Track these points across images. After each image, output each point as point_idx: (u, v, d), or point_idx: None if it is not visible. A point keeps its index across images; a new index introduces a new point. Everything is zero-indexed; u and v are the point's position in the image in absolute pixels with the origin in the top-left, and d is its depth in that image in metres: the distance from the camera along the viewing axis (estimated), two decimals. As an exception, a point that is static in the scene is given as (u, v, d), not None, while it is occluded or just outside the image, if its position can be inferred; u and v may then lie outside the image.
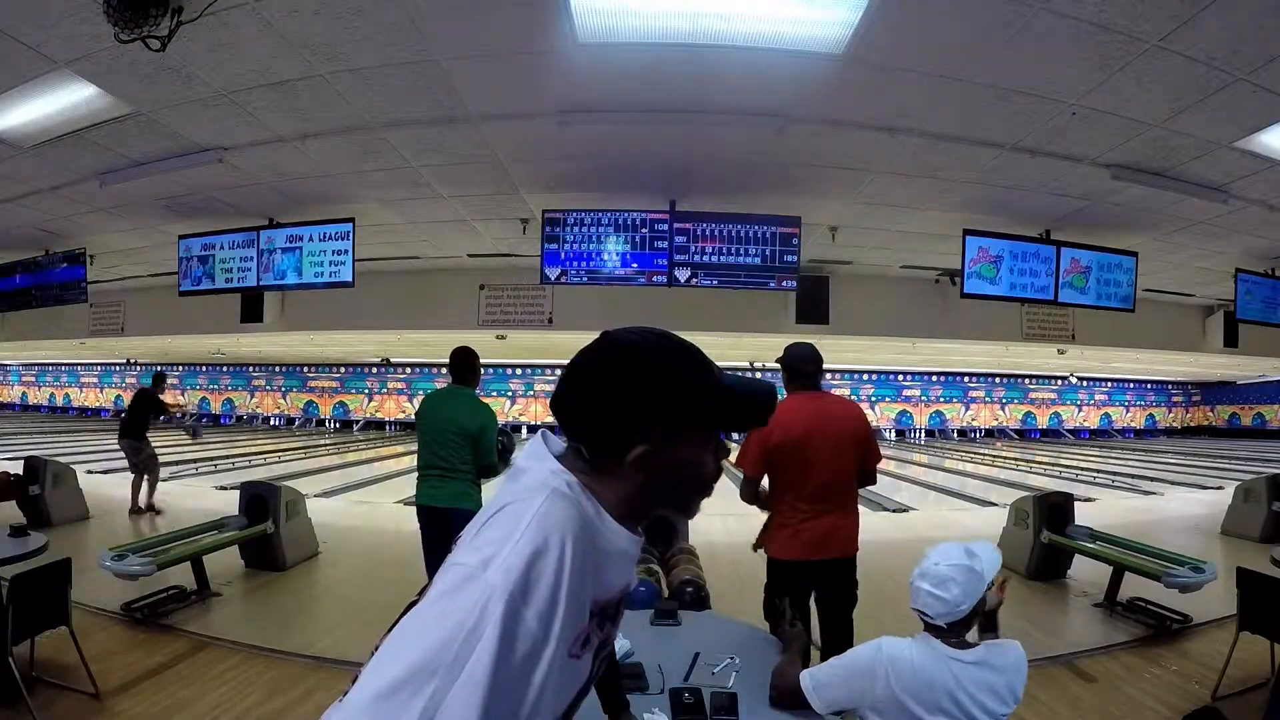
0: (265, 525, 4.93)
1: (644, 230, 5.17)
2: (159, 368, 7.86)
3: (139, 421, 7.33)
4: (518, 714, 0.69)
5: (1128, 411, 24.66)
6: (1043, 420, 23.52)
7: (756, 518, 2.97)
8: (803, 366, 2.89)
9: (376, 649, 0.73)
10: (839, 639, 2.84)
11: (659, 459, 0.83)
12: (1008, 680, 1.57)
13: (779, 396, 0.86)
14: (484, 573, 0.70)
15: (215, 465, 11.55)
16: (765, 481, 2.87)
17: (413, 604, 0.84)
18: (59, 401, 26.10)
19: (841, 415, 2.88)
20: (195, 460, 11.93)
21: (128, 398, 27.39)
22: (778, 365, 2.99)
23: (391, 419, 22.20)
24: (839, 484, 2.81)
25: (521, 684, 0.70)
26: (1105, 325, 6.93)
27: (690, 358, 0.86)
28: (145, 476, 7.23)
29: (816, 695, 1.56)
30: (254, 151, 4.27)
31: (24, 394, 27.52)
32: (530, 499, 0.78)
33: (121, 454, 7.41)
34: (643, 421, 0.82)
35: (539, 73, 3.33)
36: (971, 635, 1.63)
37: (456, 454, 3.55)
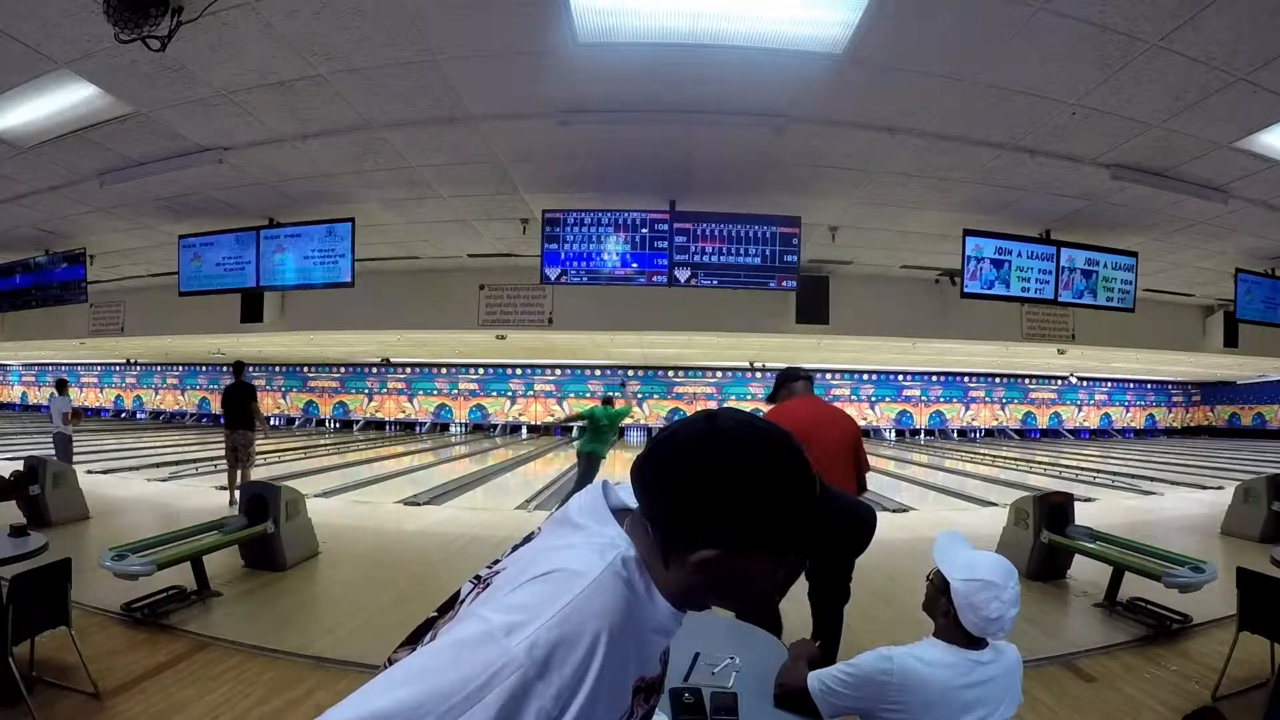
0: (265, 525, 4.93)
1: (644, 230, 5.17)
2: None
3: (244, 411, 7.66)
4: None
5: (1128, 411, 24.66)
6: (1043, 420, 23.52)
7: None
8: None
9: (390, 661, 0.72)
10: (831, 635, 2.89)
11: (724, 566, 0.78)
12: (1013, 680, 1.58)
13: (877, 522, 0.87)
14: (506, 638, 0.67)
15: (215, 465, 11.53)
16: None
17: (431, 620, 0.83)
18: (59, 401, 26.07)
19: (838, 419, 3.08)
20: (195, 460, 11.94)
21: (128, 397, 27.16)
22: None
23: (391, 419, 22.20)
24: (839, 483, 2.84)
25: None
26: (1105, 325, 6.94)
27: (793, 477, 0.79)
28: (245, 466, 7.61)
29: (823, 700, 1.55)
30: (254, 151, 4.27)
31: (24, 394, 27.51)
32: (579, 574, 0.74)
33: (112, 453, 7.44)
34: (721, 527, 0.77)
35: (539, 73, 3.33)
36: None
37: (609, 430, 7.38)
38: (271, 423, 22.62)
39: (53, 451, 8.03)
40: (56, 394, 8.38)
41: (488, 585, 0.79)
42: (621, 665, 0.74)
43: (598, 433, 7.31)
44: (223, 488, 8.21)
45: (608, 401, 7.59)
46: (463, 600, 0.81)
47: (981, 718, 1.50)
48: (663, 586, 0.80)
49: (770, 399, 3.22)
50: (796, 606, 3.04)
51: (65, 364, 25.42)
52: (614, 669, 0.72)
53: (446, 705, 0.63)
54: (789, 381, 3.16)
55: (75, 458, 8.84)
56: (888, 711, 1.50)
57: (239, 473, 7.56)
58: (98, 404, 25.51)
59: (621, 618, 0.73)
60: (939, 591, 1.59)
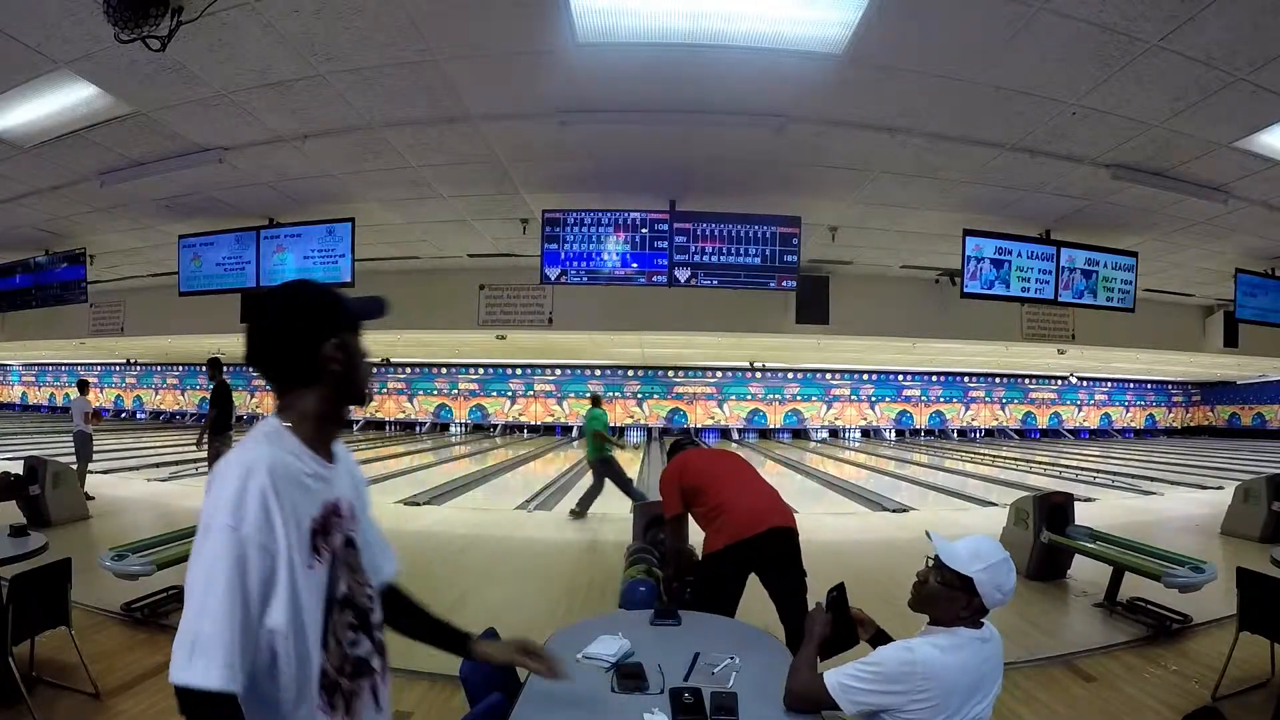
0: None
1: (644, 230, 5.17)
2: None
3: (228, 412, 7.41)
4: (267, 607, 0.94)
5: (1128, 411, 24.67)
6: (1043, 420, 23.53)
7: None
8: (683, 441, 3.64)
9: None
10: (796, 628, 2.84)
11: (338, 362, 1.11)
12: (1001, 657, 1.62)
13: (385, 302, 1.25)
14: (212, 520, 0.93)
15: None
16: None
17: None
18: (59, 401, 26.08)
19: (725, 450, 3.54)
20: (195, 460, 11.93)
21: (128, 397, 27.06)
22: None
23: (391, 419, 22.20)
24: (756, 480, 3.12)
25: (268, 590, 0.94)
26: (1105, 325, 6.94)
27: (321, 290, 1.19)
28: None
29: (845, 698, 1.53)
30: (254, 151, 4.27)
31: (24, 394, 27.51)
32: (236, 450, 1.01)
33: (112, 453, 7.37)
34: (320, 335, 1.11)
35: (539, 73, 3.33)
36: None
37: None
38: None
39: (71, 447, 7.99)
40: (78, 394, 8.54)
41: None
42: (288, 492, 0.99)
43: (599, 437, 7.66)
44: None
45: (595, 402, 8.21)
46: None
47: (985, 694, 1.54)
48: (303, 433, 1.08)
49: (671, 454, 3.56)
50: (761, 605, 2.98)
51: (65, 364, 25.43)
52: (285, 492, 0.98)
53: (202, 592, 0.90)
54: (680, 446, 3.55)
55: (75, 458, 8.85)
56: (916, 703, 1.48)
57: None
58: (97, 404, 25.48)
59: (274, 457, 1.00)
60: (957, 590, 1.57)
